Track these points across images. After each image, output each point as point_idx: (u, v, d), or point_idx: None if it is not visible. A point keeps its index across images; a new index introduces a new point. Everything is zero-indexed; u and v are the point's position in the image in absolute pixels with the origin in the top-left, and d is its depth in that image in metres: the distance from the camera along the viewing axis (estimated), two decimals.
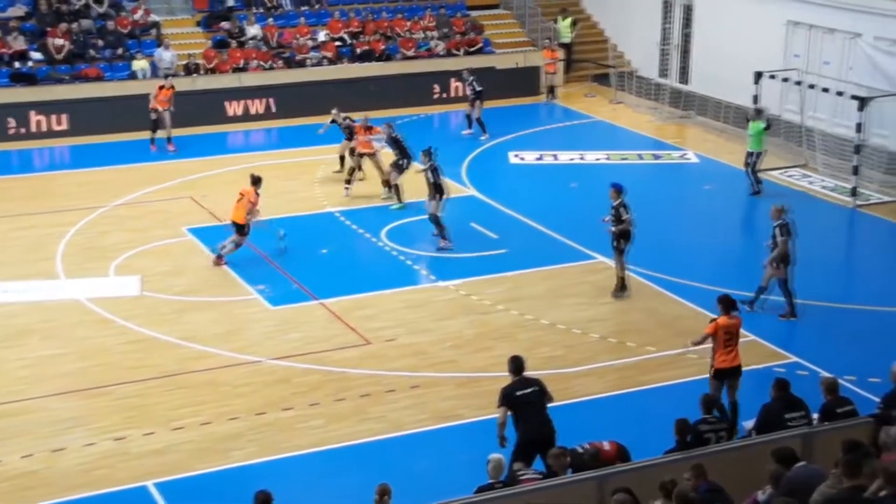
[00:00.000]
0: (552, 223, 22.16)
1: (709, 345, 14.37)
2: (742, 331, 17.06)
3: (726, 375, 14.05)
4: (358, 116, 24.89)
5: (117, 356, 16.75)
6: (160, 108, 27.11)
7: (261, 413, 14.99)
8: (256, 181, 20.32)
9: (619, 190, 18.60)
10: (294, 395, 15.50)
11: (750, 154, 24.14)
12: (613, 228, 18.43)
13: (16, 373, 16.25)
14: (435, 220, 20.75)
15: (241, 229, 20.01)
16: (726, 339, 14.01)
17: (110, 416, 14.96)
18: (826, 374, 13.57)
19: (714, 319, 14.30)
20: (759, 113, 24.78)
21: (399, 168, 23.21)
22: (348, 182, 24.10)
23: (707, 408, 11.97)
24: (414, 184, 22.35)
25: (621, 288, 18.70)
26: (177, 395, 15.56)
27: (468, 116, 29.15)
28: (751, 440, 11.44)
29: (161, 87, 27.35)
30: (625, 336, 17.24)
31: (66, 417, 14.97)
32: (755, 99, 25.94)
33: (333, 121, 25.25)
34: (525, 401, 12.52)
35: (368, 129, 24.20)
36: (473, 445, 13.40)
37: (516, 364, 12.79)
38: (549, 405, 12.68)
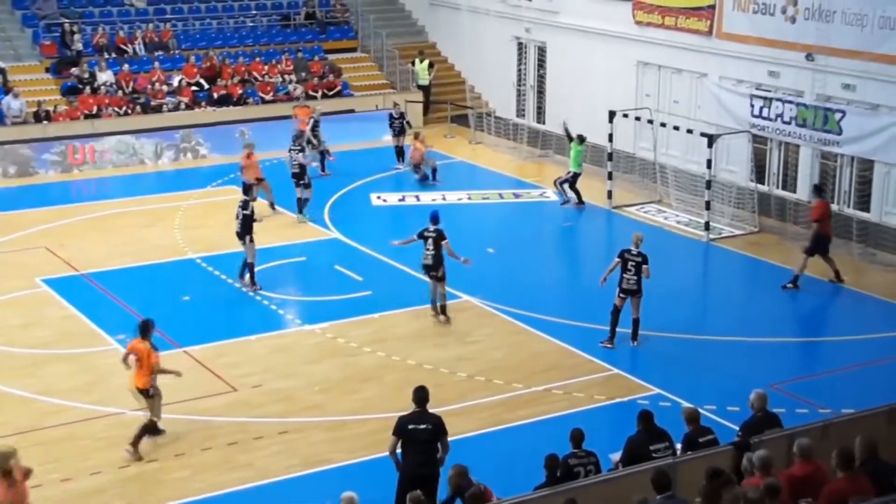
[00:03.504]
0: (416, 264, 22.18)
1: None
2: (604, 364, 17.55)
3: None
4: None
5: None
6: None
7: (124, 466, 14.59)
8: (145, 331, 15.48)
9: (435, 219, 19.44)
10: (158, 447, 15.12)
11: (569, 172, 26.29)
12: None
13: None
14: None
15: (146, 393, 15.30)
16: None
17: None
18: (687, 405, 13.91)
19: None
20: (581, 139, 26.50)
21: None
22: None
23: (576, 442, 12.12)
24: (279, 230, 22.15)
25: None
26: (33, 451, 14.89)
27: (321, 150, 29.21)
28: (618, 472, 11.61)
29: None
30: (492, 374, 17.37)
31: None
32: (610, 137, 26.63)
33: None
34: (413, 436, 12.39)
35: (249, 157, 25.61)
36: (344, 489, 13.25)
37: (419, 396, 12.67)
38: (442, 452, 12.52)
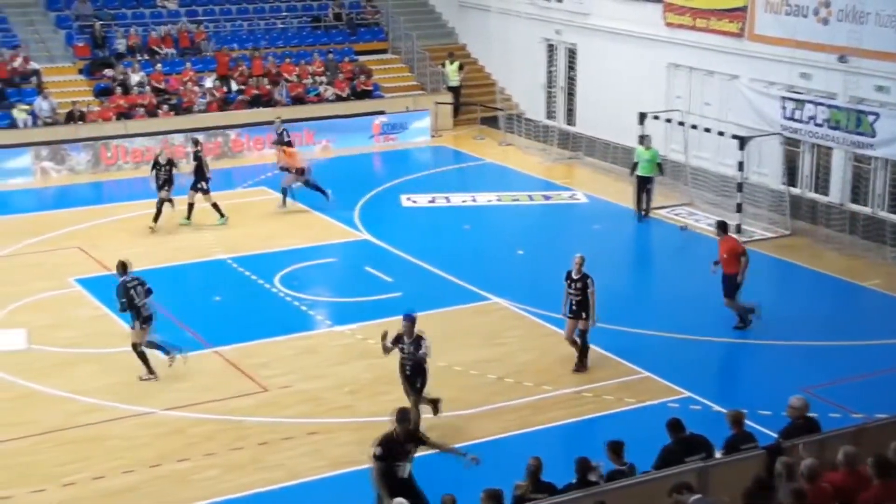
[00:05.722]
0: (446, 265, 22.25)
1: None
2: (634, 366, 17.44)
3: None
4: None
5: (2, 412, 16.21)
6: None
7: (155, 465, 14.66)
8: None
9: (413, 320, 15.10)
10: (189, 446, 15.20)
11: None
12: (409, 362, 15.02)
13: None
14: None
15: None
16: None
17: None
18: (731, 410, 13.66)
19: None
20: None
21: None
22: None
23: (615, 453, 11.85)
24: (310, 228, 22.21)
25: None
26: (66, 450, 15.11)
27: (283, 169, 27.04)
28: (650, 475, 11.54)
29: None
30: (521, 376, 17.33)
31: None
32: (640, 139, 26.52)
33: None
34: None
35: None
36: (371, 492, 13.27)
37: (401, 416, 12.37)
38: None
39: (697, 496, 10.10)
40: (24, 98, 30.24)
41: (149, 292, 17.23)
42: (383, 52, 36.58)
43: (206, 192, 24.85)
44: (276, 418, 15.99)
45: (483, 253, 23.38)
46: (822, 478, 10.16)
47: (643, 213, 25.56)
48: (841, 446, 10.55)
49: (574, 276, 17.28)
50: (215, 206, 24.84)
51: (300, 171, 26.06)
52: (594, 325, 17.34)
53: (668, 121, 26.93)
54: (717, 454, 11.98)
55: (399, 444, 12.19)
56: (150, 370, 17.16)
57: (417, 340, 14.85)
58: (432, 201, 27.28)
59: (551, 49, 33.76)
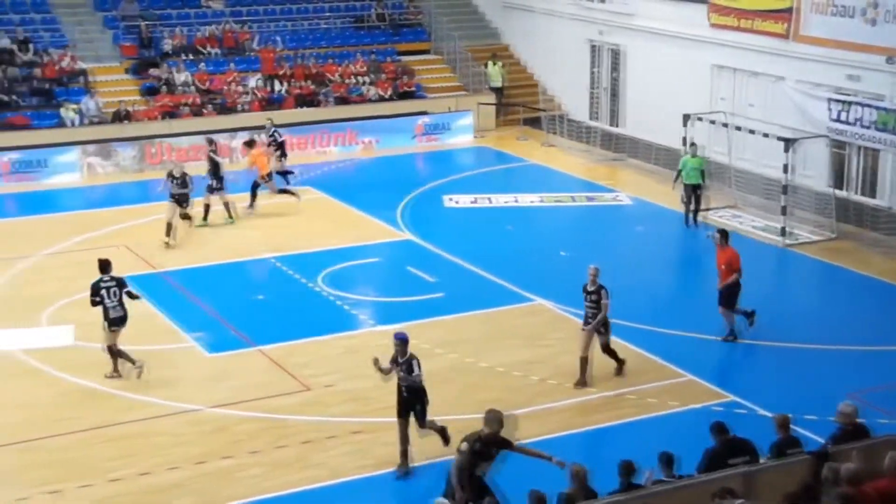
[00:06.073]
0: (489, 266, 22.25)
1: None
2: (678, 369, 17.33)
3: None
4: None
5: (51, 408, 16.42)
6: None
7: (200, 462, 14.78)
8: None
9: (405, 341, 14.45)
10: (233, 444, 15.30)
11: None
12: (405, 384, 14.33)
13: None
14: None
15: None
16: None
17: (44, 470, 14.63)
18: (779, 414, 13.57)
19: None
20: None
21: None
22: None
23: (668, 465, 11.80)
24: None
25: None
26: (113, 445, 15.28)
27: (280, 173, 27.21)
28: (695, 479, 11.49)
29: None
30: (564, 378, 17.28)
31: None
32: (684, 140, 26.37)
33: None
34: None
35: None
36: (414, 491, 13.34)
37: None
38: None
39: (740, 501, 10.06)
40: (71, 97, 30.59)
41: (130, 295, 17.28)
42: (426, 52, 36.65)
43: (219, 190, 25.01)
44: (320, 417, 16.07)
45: (526, 254, 23.36)
46: (865, 483, 10.08)
47: (693, 219, 25.17)
48: (888, 452, 10.46)
49: (589, 288, 16.90)
50: (227, 205, 25.02)
51: (268, 177, 25.75)
52: (588, 331, 16.78)
53: (713, 122, 26.76)
54: (763, 459, 11.92)
55: (484, 444, 12.33)
56: (116, 369, 17.28)
57: (409, 362, 14.17)
58: (475, 202, 27.28)
59: (595, 50, 33.66)
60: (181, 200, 23.69)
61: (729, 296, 18.49)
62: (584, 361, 16.92)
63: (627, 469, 11.57)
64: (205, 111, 31.26)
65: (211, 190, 24.96)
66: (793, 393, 16.67)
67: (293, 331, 19.14)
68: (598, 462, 13.46)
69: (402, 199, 27.24)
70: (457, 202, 27.20)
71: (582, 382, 16.94)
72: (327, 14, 36.62)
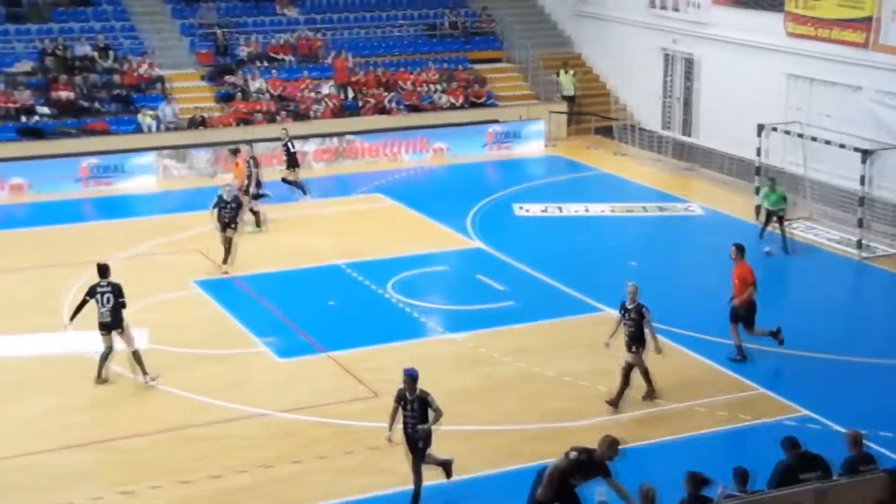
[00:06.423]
0: (558, 275, 22.19)
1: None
2: (749, 382, 17.08)
3: None
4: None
5: (124, 409, 16.71)
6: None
7: (269, 466, 14.92)
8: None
9: (414, 378, 14.10)
10: (302, 448, 15.44)
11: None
12: (420, 427, 13.90)
13: (19, 427, 16.17)
14: None
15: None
16: None
17: (117, 470, 14.89)
18: (852, 430, 13.33)
19: None
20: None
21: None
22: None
23: (742, 482, 11.66)
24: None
25: None
26: (185, 448, 15.50)
27: (292, 182, 27.19)
28: (765, 495, 11.34)
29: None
30: (632, 389, 17.11)
31: (71, 472, 14.90)
32: (758, 151, 26.04)
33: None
34: None
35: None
36: (480, 500, 13.32)
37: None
38: None
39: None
40: (149, 103, 31.13)
41: (120, 304, 17.33)
42: (498, 60, 36.67)
43: (256, 197, 25.10)
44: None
45: (596, 264, 23.27)
46: None
47: (783, 242, 24.10)
48: None
49: (628, 306, 16.65)
50: (255, 213, 25.03)
51: (245, 190, 24.95)
52: (659, 352, 16.62)
53: (787, 132, 26.42)
54: (835, 476, 11.73)
55: (590, 463, 12.18)
56: (145, 372, 17.46)
57: (423, 401, 13.74)
58: (545, 210, 27.23)
59: (668, 59, 33.43)
60: (230, 223, 22.48)
61: (748, 315, 18.09)
62: (647, 374, 16.77)
63: (696, 481, 11.43)
64: (278, 118, 31.60)
65: (248, 195, 24.82)
66: (867, 408, 16.37)
67: (362, 337, 19.25)
68: (662, 475, 13.35)
69: (473, 206, 27.28)
70: (527, 211, 27.17)
71: (650, 394, 16.81)
72: (400, 22, 36.82)
